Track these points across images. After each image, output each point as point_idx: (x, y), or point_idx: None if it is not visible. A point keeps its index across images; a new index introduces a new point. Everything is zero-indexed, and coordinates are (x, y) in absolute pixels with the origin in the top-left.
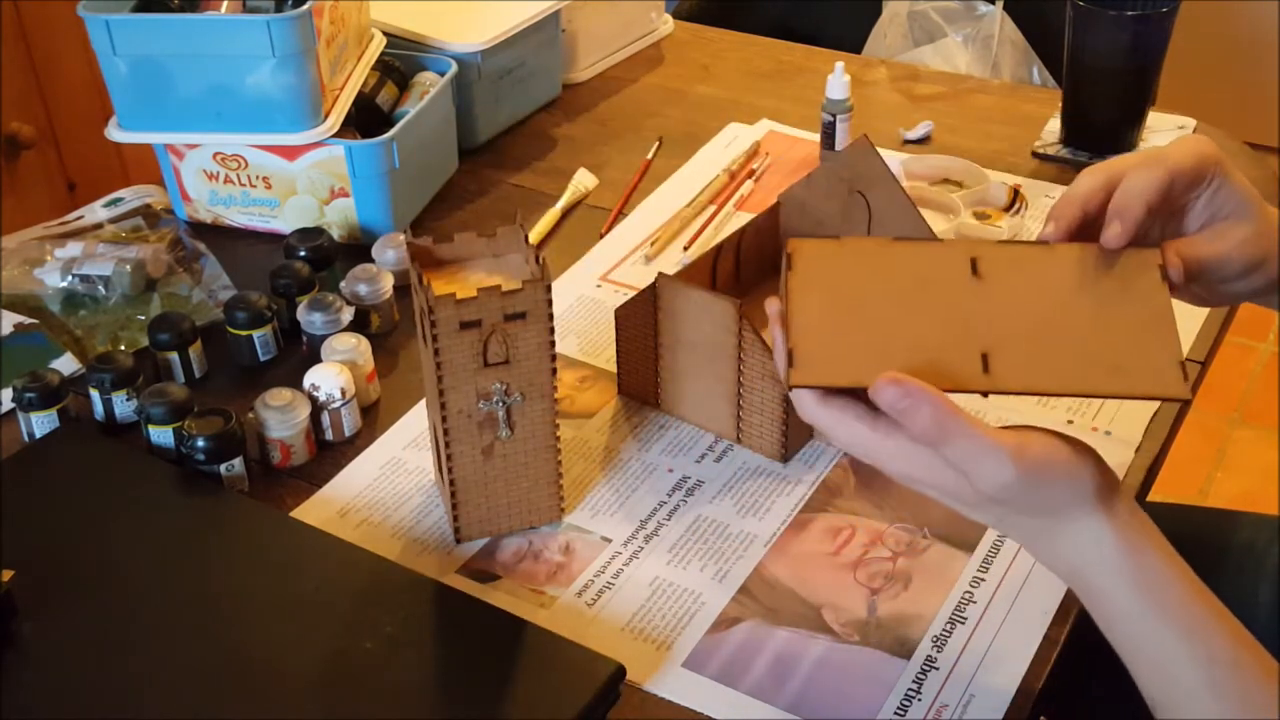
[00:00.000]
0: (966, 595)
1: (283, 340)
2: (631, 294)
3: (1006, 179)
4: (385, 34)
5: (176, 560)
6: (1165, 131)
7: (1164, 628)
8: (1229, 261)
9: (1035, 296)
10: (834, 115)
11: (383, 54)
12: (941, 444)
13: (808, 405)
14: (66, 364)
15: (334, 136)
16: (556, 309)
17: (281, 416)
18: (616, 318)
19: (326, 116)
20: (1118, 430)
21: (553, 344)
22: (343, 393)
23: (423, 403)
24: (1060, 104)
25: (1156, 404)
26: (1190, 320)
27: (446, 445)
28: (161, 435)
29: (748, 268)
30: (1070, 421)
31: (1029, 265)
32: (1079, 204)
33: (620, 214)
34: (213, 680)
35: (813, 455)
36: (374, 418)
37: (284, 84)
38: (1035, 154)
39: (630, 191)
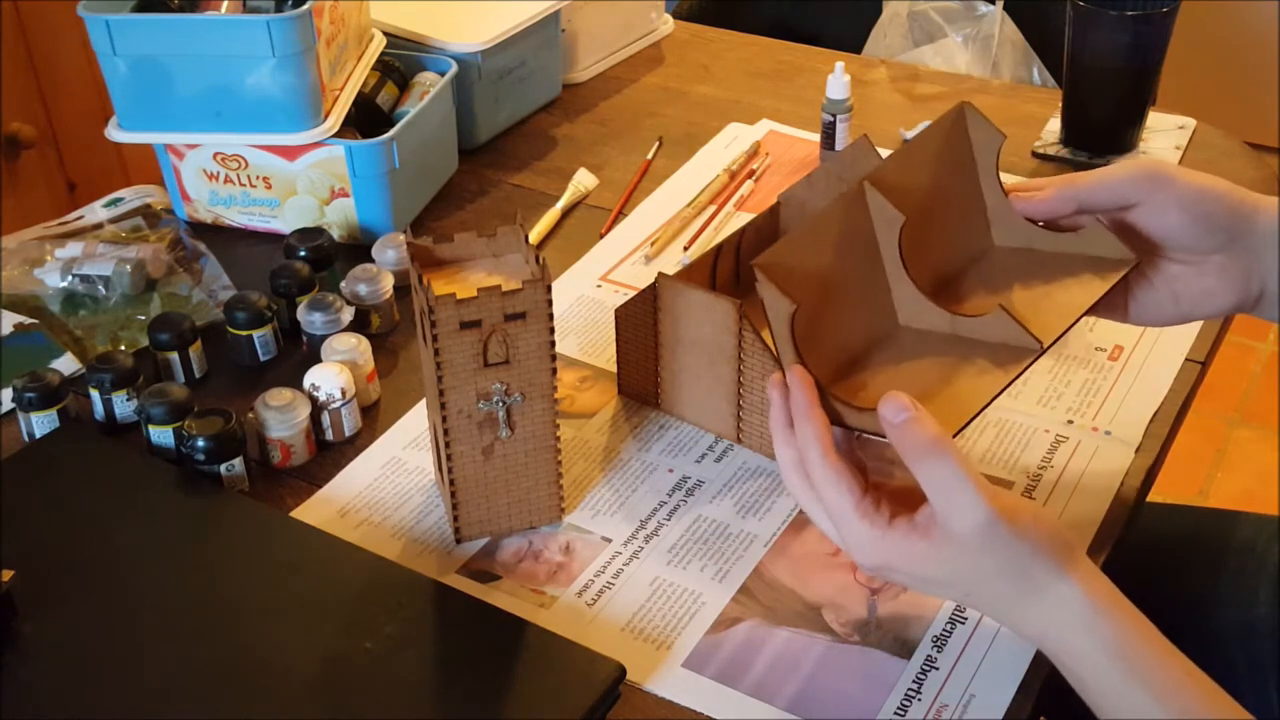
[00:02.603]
0: None
1: (283, 340)
2: (631, 294)
3: (1006, 179)
4: (385, 34)
5: (177, 560)
6: (1165, 131)
7: (1138, 689)
8: (1112, 174)
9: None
10: (834, 115)
11: (383, 54)
12: (932, 456)
13: (815, 457)
14: (66, 364)
15: (334, 136)
16: (556, 309)
17: (281, 416)
18: (616, 318)
19: (326, 116)
20: (1118, 430)
21: (553, 344)
22: (343, 393)
23: (423, 403)
24: (1060, 104)
25: (1157, 404)
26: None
27: (446, 445)
28: (161, 435)
29: (748, 268)
30: (1070, 421)
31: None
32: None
33: (620, 214)
34: (213, 680)
35: None
36: (374, 418)
37: (284, 84)
38: (1035, 154)
39: (630, 191)
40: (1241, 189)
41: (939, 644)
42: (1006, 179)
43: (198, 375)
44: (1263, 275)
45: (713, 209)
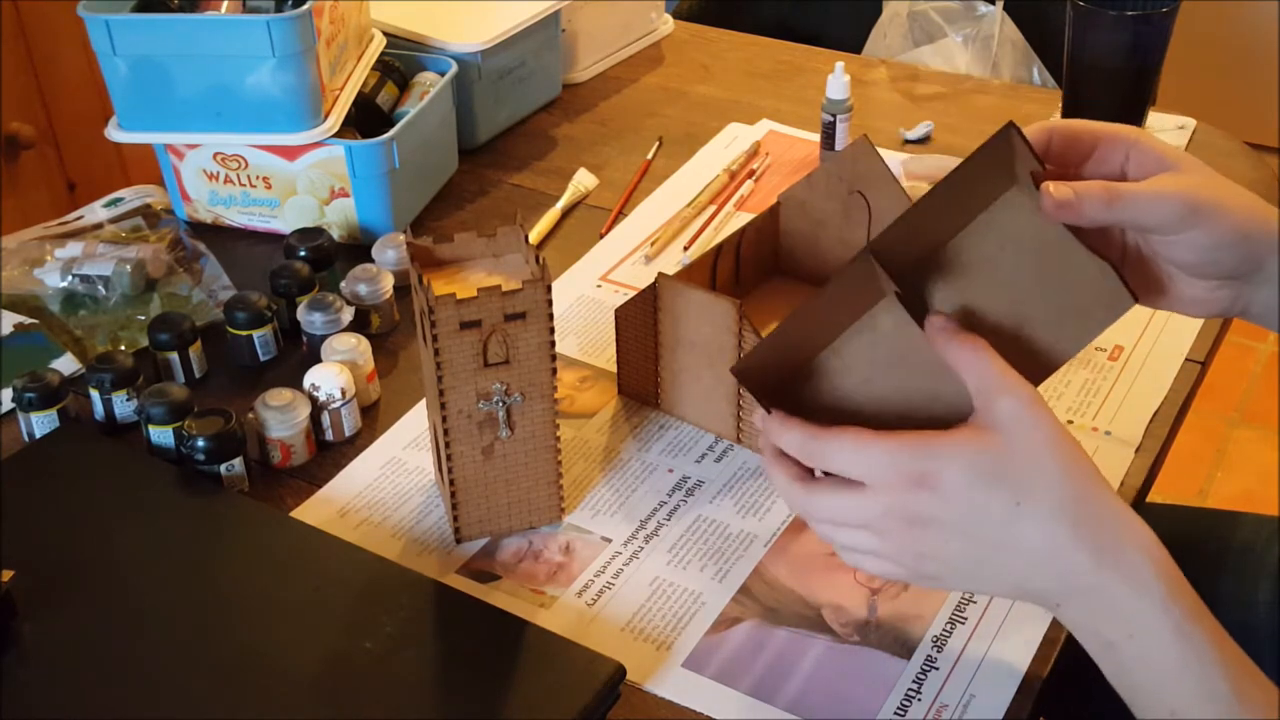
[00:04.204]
0: (967, 595)
1: (283, 340)
2: (631, 294)
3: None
4: (385, 34)
5: (177, 560)
6: (1165, 131)
7: (1194, 632)
8: (1155, 204)
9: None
10: (834, 115)
11: (383, 54)
12: (976, 348)
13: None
14: (66, 364)
15: (334, 136)
16: (556, 309)
17: (281, 416)
18: (616, 318)
19: (326, 116)
20: (1118, 430)
21: (553, 344)
22: (343, 393)
23: (423, 403)
24: (1060, 104)
25: (1157, 404)
26: (1190, 320)
27: (446, 445)
28: (161, 435)
29: (747, 268)
30: (1070, 421)
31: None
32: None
33: (620, 214)
34: (213, 680)
35: None
36: (374, 418)
37: (284, 84)
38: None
39: (630, 191)
40: (1274, 216)
41: (939, 644)
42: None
43: (198, 375)
44: (1251, 295)
45: (713, 209)
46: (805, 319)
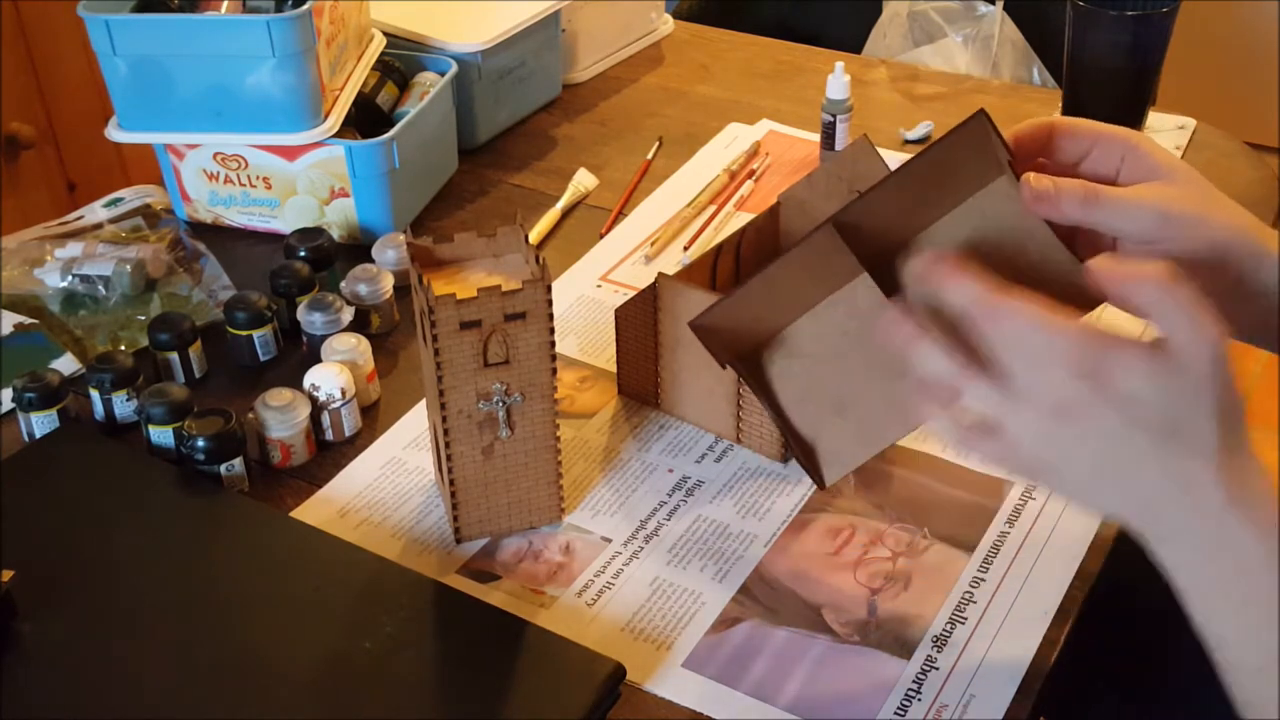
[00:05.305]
0: (966, 595)
1: (283, 340)
2: (631, 294)
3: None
4: (385, 34)
5: (176, 560)
6: (1165, 131)
7: None
8: (1131, 211)
9: None
10: (834, 115)
11: (383, 54)
12: (1177, 280)
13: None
14: (66, 364)
15: (334, 136)
16: (556, 309)
17: (281, 416)
18: (616, 318)
19: (326, 116)
20: None
21: (553, 344)
22: (343, 393)
23: (423, 403)
24: (1060, 104)
25: None
26: None
27: (446, 445)
28: (161, 435)
29: (748, 268)
30: None
31: None
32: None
33: (620, 214)
34: (212, 680)
35: None
36: (374, 418)
37: (284, 84)
38: None
39: (630, 191)
40: (1264, 233)
41: (939, 644)
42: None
43: (198, 375)
44: (1231, 312)
45: (713, 209)
46: (767, 286)
